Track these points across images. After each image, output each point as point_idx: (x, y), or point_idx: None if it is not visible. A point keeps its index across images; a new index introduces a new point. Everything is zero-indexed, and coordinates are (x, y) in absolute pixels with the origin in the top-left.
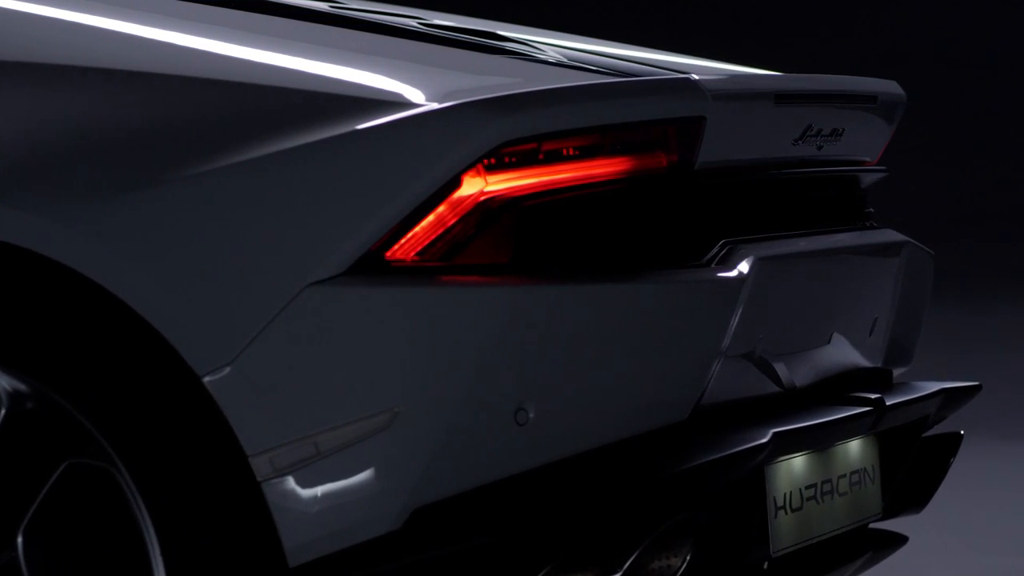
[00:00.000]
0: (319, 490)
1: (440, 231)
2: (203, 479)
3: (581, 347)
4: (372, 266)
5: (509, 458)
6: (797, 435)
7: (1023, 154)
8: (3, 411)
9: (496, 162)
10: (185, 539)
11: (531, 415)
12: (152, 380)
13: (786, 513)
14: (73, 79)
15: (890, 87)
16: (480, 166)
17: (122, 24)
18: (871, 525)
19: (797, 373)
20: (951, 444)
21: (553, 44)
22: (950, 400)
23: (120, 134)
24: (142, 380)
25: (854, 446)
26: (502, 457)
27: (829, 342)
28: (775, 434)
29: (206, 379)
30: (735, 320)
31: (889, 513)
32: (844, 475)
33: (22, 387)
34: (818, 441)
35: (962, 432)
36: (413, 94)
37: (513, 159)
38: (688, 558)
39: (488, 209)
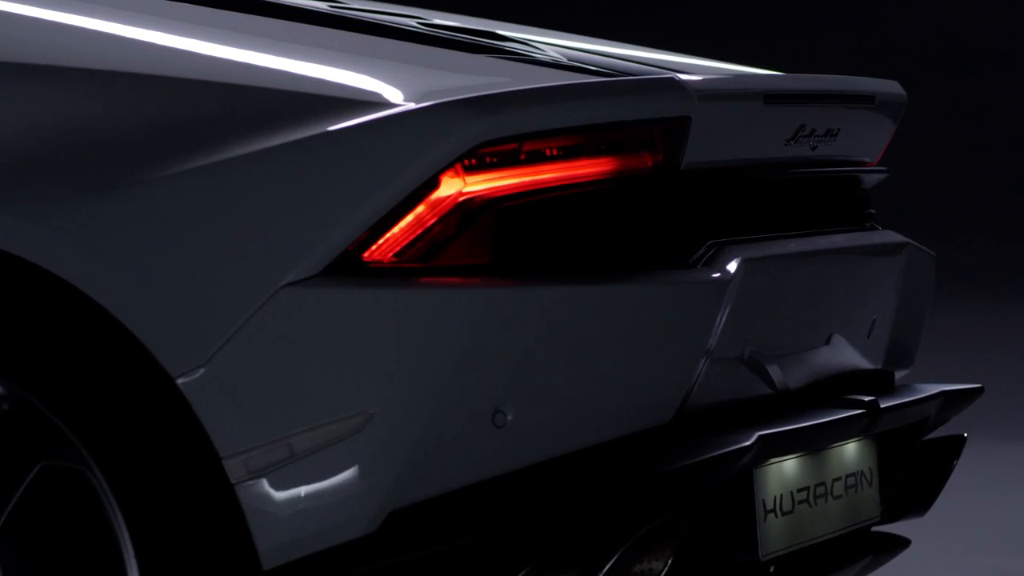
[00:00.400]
0: (293, 492)
1: (419, 232)
2: (177, 481)
3: (561, 349)
4: (348, 267)
5: (486, 461)
6: (784, 437)
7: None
8: None
9: (477, 162)
10: (158, 541)
11: (509, 417)
12: (126, 382)
13: (776, 516)
14: (46, 79)
15: (891, 87)
16: (459, 166)
17: (98, 23)
18: (873, 528)
19: (791, 375)
20: (954, 447)
21: (553, 44)
22: (951, 403)
23: (93, 134)
24: (116, 382)
25: (850, 449)
26: (479, 460)
27: (825, 344)
28: (760, 437)
29: (180, 381)
30: (721, 322)
31: (891, 517)
32: (839, 478)
33: None
34: (808, 444)
35: (965, 435)
36: (391, 94)
37: (494, 159)
38: (670, 561)
39: (467, 210)
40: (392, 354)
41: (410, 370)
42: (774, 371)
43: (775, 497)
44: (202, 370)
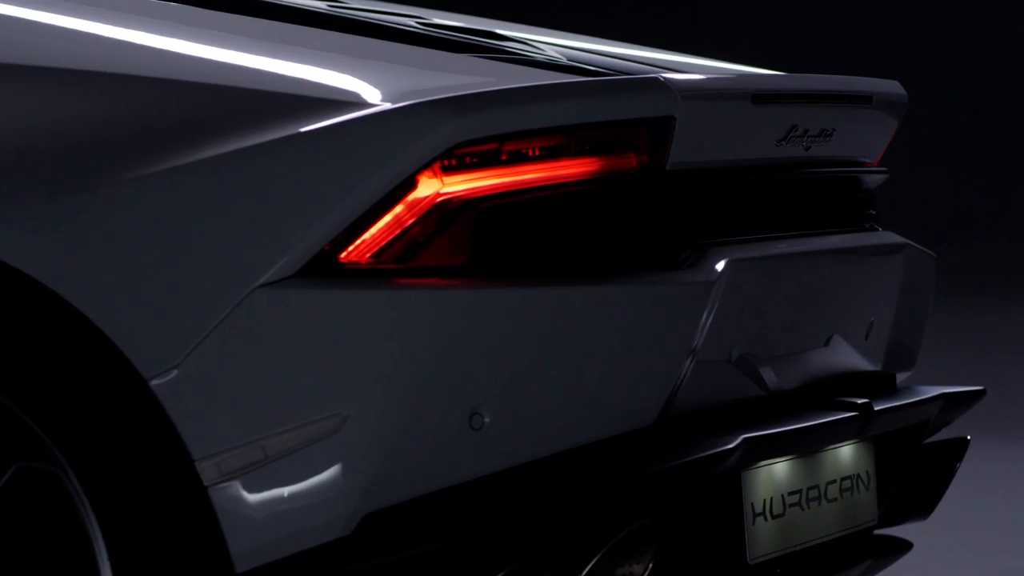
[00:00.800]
0: (267, 495)
1: (396, 232)
2: (150, 483)
3: (540, 351)
4: (324, 268)
5: (464, 463)
6: (772, 440)
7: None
8: None
9: (457, 163)
10: (132, 543)
11: (487, 420)
12: (99, 383)
13: (766, 519)
14: (16, 78)
15: (890, 87)
16: (436, 167)
17: (71, 21)
18: (876, 531)
19: (783, 377)
20: (956, 449)
21: (555, 44)
22: (951, 405)
23: (65, 135)
24: (89, 383)
25: (846, 451)
26: (456, 462)
27: (820, 345)
28: (745, 439)
29: (153, 382)
30: (706, 323)
31: (893, 520)
32: (834, 481)
33: None
34: (798, 446)
35: (968, 437)
36: (368, 94)
37: (473, 159)
38: (651, 565)
39: (446, 210)
40: (367, 355)
41: (385, 372)
42: (765, 373)
43: (765, 500)
44: (175, 371)
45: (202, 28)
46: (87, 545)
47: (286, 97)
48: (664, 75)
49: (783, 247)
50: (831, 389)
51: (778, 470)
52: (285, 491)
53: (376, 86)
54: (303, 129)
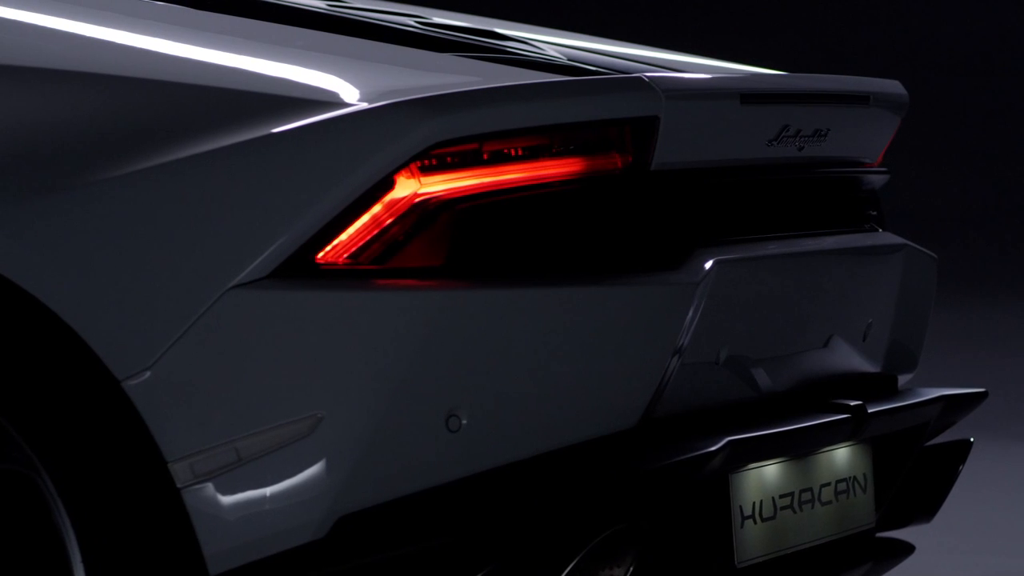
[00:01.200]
0: (240, 497)
1: (374, 233)
2: (123, 485)
3: (518, 353)
4: (299, 269)
5: (440, 466)
6: (759, 442)
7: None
8: None
9: (437, 163)
10: (105, 545)
11: (464, 422)
12: (72, 384)
13: (755, 523)
14: None
15: (891, 87)
16: (413, 167)
17: (41, 18)
18: (878, 534)
19: (776, 379)
20: (959, 452)
21: (558, 44)
22: (952, 407)
23: (39, 135)
24: (62, 384)
25: (841, 454)
26: (432, 465)
27: (814, 347)
28: (730, 442)
29: (126, 384)
30: (690, 325)
31: (896, 523)
32: (828, 484)
33: None
34: (787, 449)
35: (972, 439)
36: (345, 93)
37: (454, 159)
38: (632, 568)
39: (424, 211)
40: (342, 357)
41: (360, 374)
42: (756, 375)
43: (754, 503)
44: (148, 373)
45: (179, 26)
46: (61, 547)
47: (262, 97)
48: (648, 74)
49: (773, 248)
50: (827, 391)
51: (769, 472)
52: (258, 493)
53: (354, 85)
54: (278, 129)
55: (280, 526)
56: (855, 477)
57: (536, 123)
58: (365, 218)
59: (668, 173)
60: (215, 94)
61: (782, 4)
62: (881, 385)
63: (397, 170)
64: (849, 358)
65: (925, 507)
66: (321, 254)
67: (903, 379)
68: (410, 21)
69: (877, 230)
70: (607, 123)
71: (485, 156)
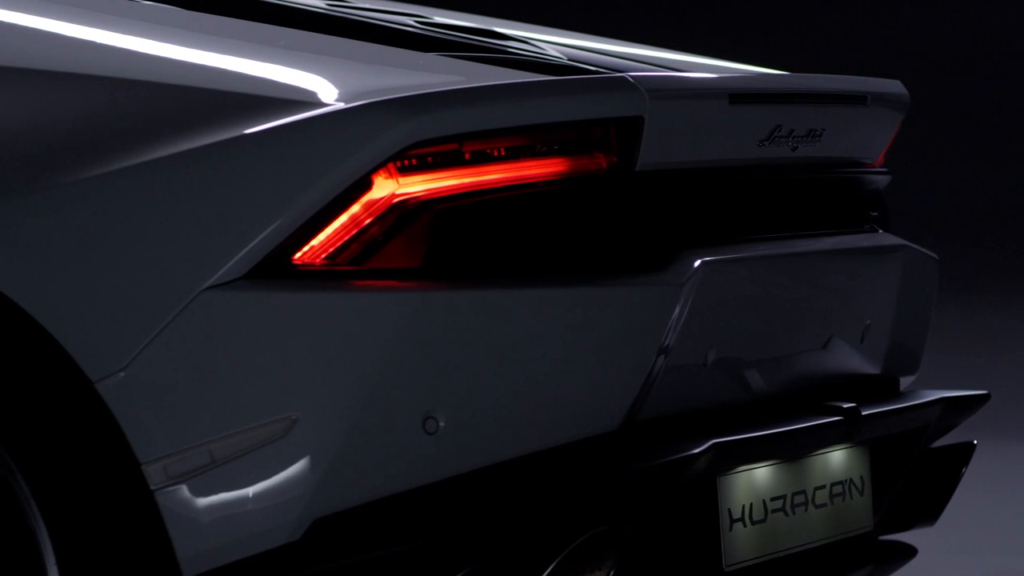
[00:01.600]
0: (214, 499)
1: (352, 233)
2: (97, 487)
3: (496, 355)
4: (275, 270)
5: (417, 468)
6: (746, 445)
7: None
8: None
9: (417, 163)
10: (79, 547)
11: (441, 424)
12: (46, 385)
13: (744, 525)
14: None
15: (891, 86)
16: (391, 167)
17: (13, 16)
18: (880, 537)
19: (770, 380)
20: (962, 454)
21: (559, 44)
22: (952, 409)
23: (10, 136)
24: (36, 385)
25: (837, 456)
26: (409, 467)
27: (811, 348)
28: (715, 444)
29: (99, 385)
30: (675, 326)
31: (898, 526)
32: (823, 486)
33: None
34: (777, 451)
35: (975, 442)
36: (323, 93)
37: (434, 159)
38: (612, 572)
39: (403, 212)
40: (317, 358)
41: (336, 375)
42: (748, 377)
43: (744, 505)
44: (122, 374)
45: (159, 25)
46: (35, 548)
47: (239, 96)
48: (633, 74)
49: (763, 249)
50: (822, 393)
51: (759, 475)
52: (233, 495)
53: (333, 85)
54: (254, 129)
55: (255, 528)
56: (851, 480)
57: (518, 123)
58: (343, 219)
59: (654, 173)
60: (191, 94)
61: (796, 4)
62: (881, 387)
63: (375, 170)
64: (846, 360)
65: (927, 510)
66: (298, 255)
67: (905, 381)
68: (409, 21)
69: (876, 231)
70: (591, 123)
71: (466, 156)
